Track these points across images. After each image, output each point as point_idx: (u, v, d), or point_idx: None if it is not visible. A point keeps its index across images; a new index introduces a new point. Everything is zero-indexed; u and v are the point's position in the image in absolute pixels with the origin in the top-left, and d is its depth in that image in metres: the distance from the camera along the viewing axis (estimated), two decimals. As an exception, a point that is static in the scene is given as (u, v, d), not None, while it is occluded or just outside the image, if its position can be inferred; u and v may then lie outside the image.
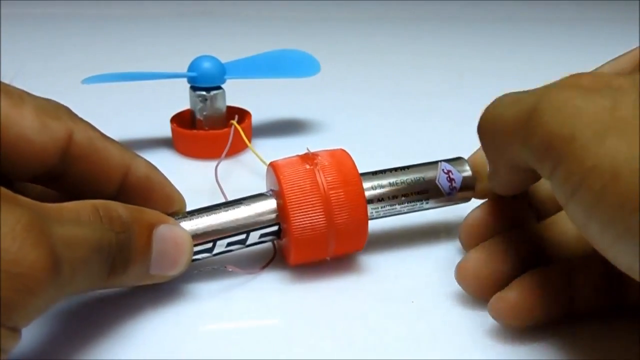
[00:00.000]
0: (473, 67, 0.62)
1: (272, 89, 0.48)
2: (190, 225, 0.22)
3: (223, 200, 0.27)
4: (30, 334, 0.20)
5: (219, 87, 0.36)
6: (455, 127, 0.41)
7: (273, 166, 0.24)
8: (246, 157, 0.37)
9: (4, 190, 0.16)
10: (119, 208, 0.19)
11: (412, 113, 0.46)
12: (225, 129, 0.36)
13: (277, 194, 0.24)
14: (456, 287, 0.23)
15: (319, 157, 0.24)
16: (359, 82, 0.57)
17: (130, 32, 0.79)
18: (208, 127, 0.36)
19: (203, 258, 0.23)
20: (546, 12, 0.96)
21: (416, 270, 0.25)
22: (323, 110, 0.46)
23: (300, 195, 0.23)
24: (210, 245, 0.23)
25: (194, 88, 0.36)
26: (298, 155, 0.25)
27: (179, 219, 0.23)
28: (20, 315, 0.15)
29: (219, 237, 0.23)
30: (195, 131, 0.36)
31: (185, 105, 0.38)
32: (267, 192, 0.25)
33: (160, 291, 0.23)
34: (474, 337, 0.21)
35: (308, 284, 0.24)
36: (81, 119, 0.21)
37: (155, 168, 0.24)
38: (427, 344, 0.21)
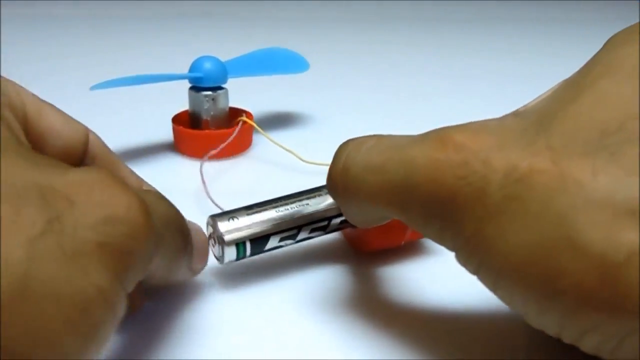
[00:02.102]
0: (462, 65, 0.62)
1: (262, 87, 0.48)
2: (278, 213, 0.23)
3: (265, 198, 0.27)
4: None
5: (222, 87, 0.36)
6: (446, 121, 0.41)
7: None
8: (248, 155, 0.37)
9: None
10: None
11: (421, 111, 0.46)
12: (232, 129, 0.35)
13: None
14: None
15: None
16: (355, 78, 0.57)
17: (128, 32, 0.79)
18: (214, 127, 0.36)
19: (286, 245, 0.23)
20: (546, 12, 0.97)
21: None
22: (319, 105, 0.46)
23: None
24: (295, 232, 0.23)
25: (196, 88, 0.36)
26: None
27: (262, 207, 0.23)
28: (131, 271, 0.13)
29: (304, 223, 0.23)
30: (206, 131, 0.36)
31: (180, 106, 0.37)
32: None
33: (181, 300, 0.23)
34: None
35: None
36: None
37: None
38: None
